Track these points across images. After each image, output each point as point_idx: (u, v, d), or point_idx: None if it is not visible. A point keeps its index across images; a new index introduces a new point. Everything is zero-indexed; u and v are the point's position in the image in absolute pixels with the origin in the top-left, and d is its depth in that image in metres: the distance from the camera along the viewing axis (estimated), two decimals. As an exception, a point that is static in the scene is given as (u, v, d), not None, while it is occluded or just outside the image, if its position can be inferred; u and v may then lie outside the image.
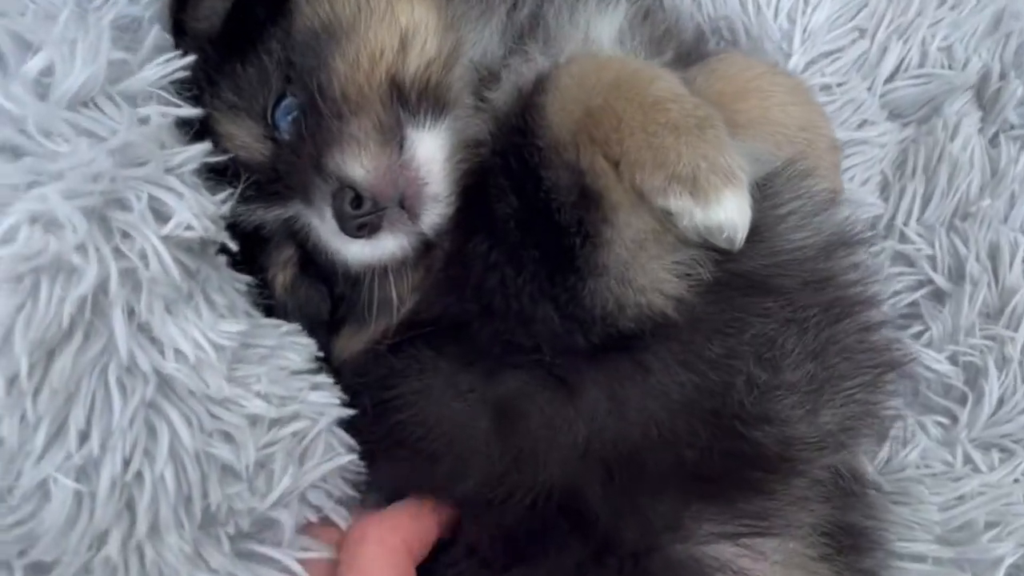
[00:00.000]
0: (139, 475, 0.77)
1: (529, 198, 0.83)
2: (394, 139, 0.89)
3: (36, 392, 0.71)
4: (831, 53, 1.30)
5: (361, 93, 0.90)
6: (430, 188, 0.90)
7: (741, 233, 0.78)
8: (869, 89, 1.32)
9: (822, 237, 0.92)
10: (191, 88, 0.88)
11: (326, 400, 0.92)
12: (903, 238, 1.29)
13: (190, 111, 0.83)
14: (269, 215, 0.94)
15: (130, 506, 0.77)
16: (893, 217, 1.30)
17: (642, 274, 0.81)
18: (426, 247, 0.93)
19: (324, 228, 0.92)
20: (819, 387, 0.87)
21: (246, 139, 0.93)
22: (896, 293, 1.28)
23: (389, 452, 0.93)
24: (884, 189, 1.33)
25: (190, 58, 0.83)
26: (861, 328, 0.94)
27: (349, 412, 0.93)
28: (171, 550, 0.78)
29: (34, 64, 0.73)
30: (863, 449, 1.08)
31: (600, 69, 0.87)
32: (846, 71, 1.30)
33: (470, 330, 0.88)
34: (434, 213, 0.90)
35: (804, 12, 1.28)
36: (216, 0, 0.94)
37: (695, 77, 1.06)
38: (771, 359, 0.85)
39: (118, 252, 0.75)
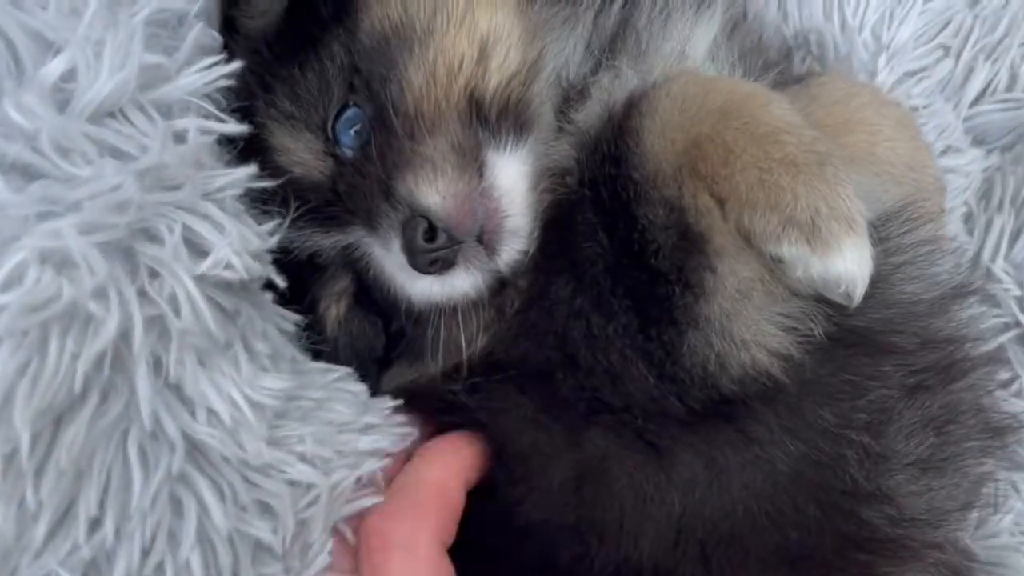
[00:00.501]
0: (160, 567, 0.64)
1: (621, 238, 0.75)
2: (473, 163, 0.80)
3: (39, 472, 0.58)
4: (916, 72, 1.20)
5: (438, 109, 0.80)
6: (511, 221, 0.80)
7: (861, 287, 0.70)
8: (953, 111, 1.22)
9: (938, 290, 0.84)
10: (240, 96, 0.77)
11: (375, 445, 0.79)
12: (989, 276, 1.18)
13: (235, 127, 0.71)
14: (326, 241, 0.84)
15: (147, 604, 0.64)
16: (978, 253, 1.20)
17: (745, 327, 0.74)
18: (499, 285, 0.83)
19: (389, 260, 0.82)
20: (932, 459, 0.81)
21: (303, 154, 0.83)
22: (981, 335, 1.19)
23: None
24: (968, 221, 1.23)
25: (235, 64, 0.72)
26: (972, 389, 0.85)
27: (387, 464, 0.80)
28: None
29: (54, 67, 0.61)
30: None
31: (707, 92, 0.77)
32: (930, 92, 1.20)
33: (552, 380, 0.78)
34: (514, 249, 0.81)
35: (889, 27, 1.18)
36: None
37: (793, 100, 0.94)
38: (885, 428, 0.78)
39: (144, 296, 0.62)
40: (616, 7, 0.89)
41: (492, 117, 0.81)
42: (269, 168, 0.77)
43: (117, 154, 0.62)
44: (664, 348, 0.74)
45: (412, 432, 0.83)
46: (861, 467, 0.76)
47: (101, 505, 0.61)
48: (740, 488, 0.75)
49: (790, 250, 0.69)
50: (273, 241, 0.72)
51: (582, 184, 0.79)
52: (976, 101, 1.23)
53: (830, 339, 0.75)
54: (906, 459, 0.79)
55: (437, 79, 0.80)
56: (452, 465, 0.78)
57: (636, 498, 0.76)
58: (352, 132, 0.82)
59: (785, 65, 1.09)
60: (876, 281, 0.75)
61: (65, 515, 0.60)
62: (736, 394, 0.74)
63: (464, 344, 0.82)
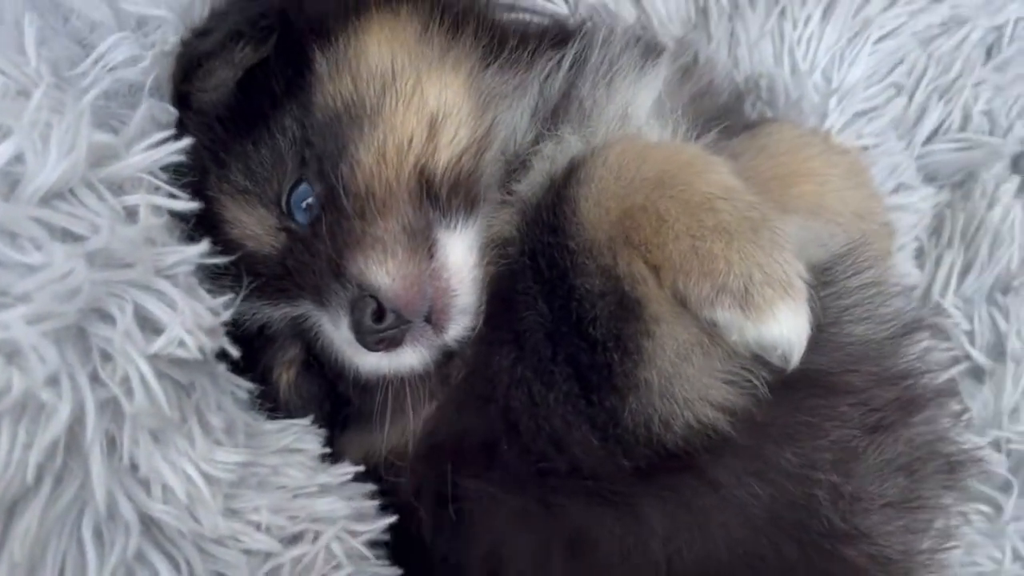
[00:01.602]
0: (115, 645, 0.64)
1: (560, 307, 0.75)
2: (424, 244, 0.80)
3: (-9, 567, 0.58)
4: (867, 112, 1.20)
5: (388, 190, 0.79)
6: (460, 299, 0.80)
7: (797, 351, 0.70)
8: (906, 150, 1.23)
9: (889, 328, 0.84)
10: (193, 171, 0.77)
11: (331, 506, 0.80)
12: (939, 310, 1.20)
13: (186, 204, 0.71)
14: (275, 313, 0.83)
15: None
16: (929, 287, 1.22)
17: (688, 387, 0.73)
18: (446, 356, 0.83)
19: (337, 335, 0.81)
20: (904, 497, 0.81)
21: (256, 228, 0.82)
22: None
23: None
24: (919, 256, 1.24)
25: (186, 141, 0.73)
26: (930, 422, 0.86)
27: (360, 525, 0.82)
28: None
29: (0, 153, 0.60)
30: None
31: (642, 160, 0.77)
32: (882, 131, 1.21)
33: (497, 451, 0.78)
34: (460, 326, 0.81)
35: (840, 68, 1.19)
36: (228, 69, 0.81)
37: (742, 152, 0.97)
38: (853, 468, 0.78)
39: (96, 380, 0.63)
40: (562, 73, 0.89)
41: (443, 195, 0.81)
42: (222, 242, 0.77)
43: (67, 236, 0.62)
44: (607, 412, 0.74)
45: (371, 488, 0.84)
46: (835, 507, 0.76)
47: (55, 594, 0.61)
48: (719, 530, 0.75)
49: (724, 316, 0.70)
50: (227, 315, 0.72)
51: (523, 254, 0.79)
52: (929, 140, 1.24)
53: (780, 384, 0.75)
54: (880, 500, 0.79)
55: (387, 159, 0.80)
56: None
57: (622, 555, 0.76)
58: (303, 207, 0.82)
59: (736, 111, 1.10)
60: (825, 325, 0.77)
61: (19, 606, 0.59)
62: (681, 448, 0.74)
63: (410, 413, 0.82)
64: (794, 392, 0.76)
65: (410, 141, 0.80)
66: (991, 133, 1.23)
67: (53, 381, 0.59)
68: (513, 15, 1.00)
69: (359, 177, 0.80)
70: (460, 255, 0.80)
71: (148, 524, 0.67)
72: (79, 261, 0.60)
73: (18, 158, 0.61)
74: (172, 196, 0.70)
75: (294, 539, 0.77)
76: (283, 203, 0.82)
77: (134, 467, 0.65)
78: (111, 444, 0.64)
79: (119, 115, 0.71)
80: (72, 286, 0.59)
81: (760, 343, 0.69)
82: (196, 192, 0.76)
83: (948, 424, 0.90)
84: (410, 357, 0.81)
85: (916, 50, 1.21)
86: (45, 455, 0.59)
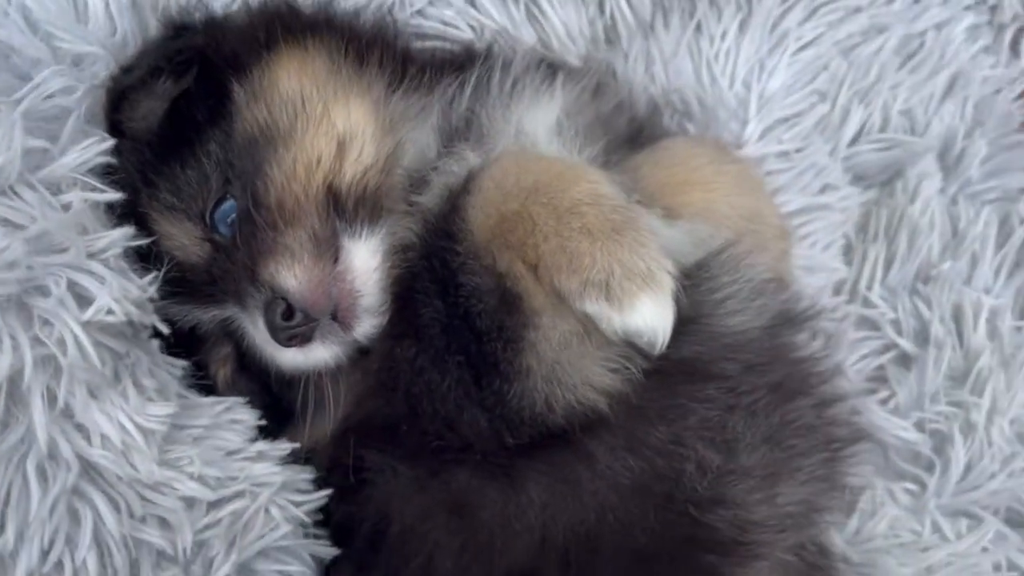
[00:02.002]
0: (59, 565, 0.76)
1: (452, 303, 0.83)
2: (329, 250, 0.88)
3: (-56, 491, 0.70)
4: (789, 119, 1.27)
5: (297, 203, 0.88)
6: (364, 300, 0.89)
7: (662, 338, 0.78)
8: (831, 153, 1.30)
9: (764, 319, 0.92)
10: (117, 175, 0.89)
11: (268, 471, 0.91)
12: (867, 302, 1.28)
13: (112, 195, 0.83)
14: (205, 316, 0.94)
15: (49, 598, 0.76)
16: (856, 281, 1.29)
17: (571, 372, 0.81)
18: (362, 352, 0.91)
19: (257, 334, 0.91)
20: (776, 470, 0.87)
21: (184, 240, 0.92)
22: (863, 357, 1.27)
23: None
24: (848, 253, 1.31)
25: (110, 142, 0.85)
26: (816, 404, 0.94)
27: (297, 496, 0.93)
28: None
29: None
30: (831, 521, 1.08)
31: (521, 171, 0.85)
32: (806, 135, 1.28)
33: (399, 431, 0.88)
34: (368, 324, 0.89)
35: (760, 79, 1.26)
36: (153, 101, 0.92)
37: (641, 165, 1.06)
38: (722, 443, 0.85)
39: (36, 340, 0.75)
40: (466, 95, 0.97)
41: (349, 207, 0.89)
42: (145, 232, 0.89)
43: (8, 225, 0.75)
44: (494, 395, 0.82)
45: (308, 468, 0.95)
46: (703, 478, 0.83)
47: (2, 515, 0.74)
48: (591, 499, 0.83)
49: (593, 307, 0.77)
50: (152, 291, 0.84)
51: (422, 257, 0.86)
52: (854, 141, 1.30)
53: (657, 370, 0.82)
54: (748, 471, 0.85)
55: (297, 176, 0.89)
56: None
57: (501, 518, 0.84)
58: (228, 221, 0.91)
59: (653, 125, 1.20)
60: (700, 316, 0.86)
61: (-30, 525, 0.72)
62: (561, 427, 0.82)
63: (331, 405, 0.91)
64: (670, 377, 0.84)
65: (319, 160, 0.89)
66: (912, 131, 1.30)
67: (-6, 337, 0.72)
68: (422, 43, 1.10)
69: (271, 192, 0.89)
70: (364, 260, 0.89)
71: (87, 467, 0.78)
72: (17, 241, 0.73)
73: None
74: (102, 191, 0.83)
75: (233, 496, 0.88)
76: (207, 217, 0.92)
77: (72, 416, 0.77)
78: (52, 397, 0.76)
79: (56, 132, 0.83)
80: (10, 259, 0.72)
81: (626, 331, 0.77)
82: (130, 204, 0.88)
83: (834, 405, 0.99)
84: (321, 352, 0.90)
85: (837, 58, 1.26)
86: (-10, 400, 0.72)
